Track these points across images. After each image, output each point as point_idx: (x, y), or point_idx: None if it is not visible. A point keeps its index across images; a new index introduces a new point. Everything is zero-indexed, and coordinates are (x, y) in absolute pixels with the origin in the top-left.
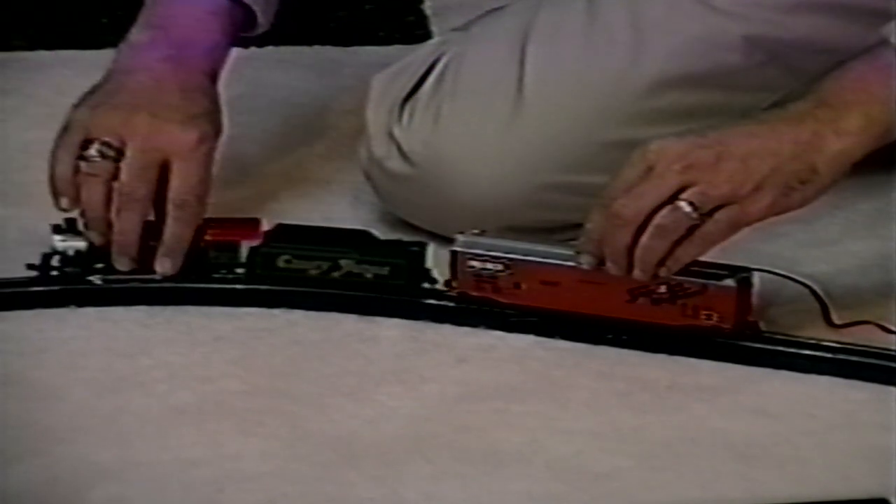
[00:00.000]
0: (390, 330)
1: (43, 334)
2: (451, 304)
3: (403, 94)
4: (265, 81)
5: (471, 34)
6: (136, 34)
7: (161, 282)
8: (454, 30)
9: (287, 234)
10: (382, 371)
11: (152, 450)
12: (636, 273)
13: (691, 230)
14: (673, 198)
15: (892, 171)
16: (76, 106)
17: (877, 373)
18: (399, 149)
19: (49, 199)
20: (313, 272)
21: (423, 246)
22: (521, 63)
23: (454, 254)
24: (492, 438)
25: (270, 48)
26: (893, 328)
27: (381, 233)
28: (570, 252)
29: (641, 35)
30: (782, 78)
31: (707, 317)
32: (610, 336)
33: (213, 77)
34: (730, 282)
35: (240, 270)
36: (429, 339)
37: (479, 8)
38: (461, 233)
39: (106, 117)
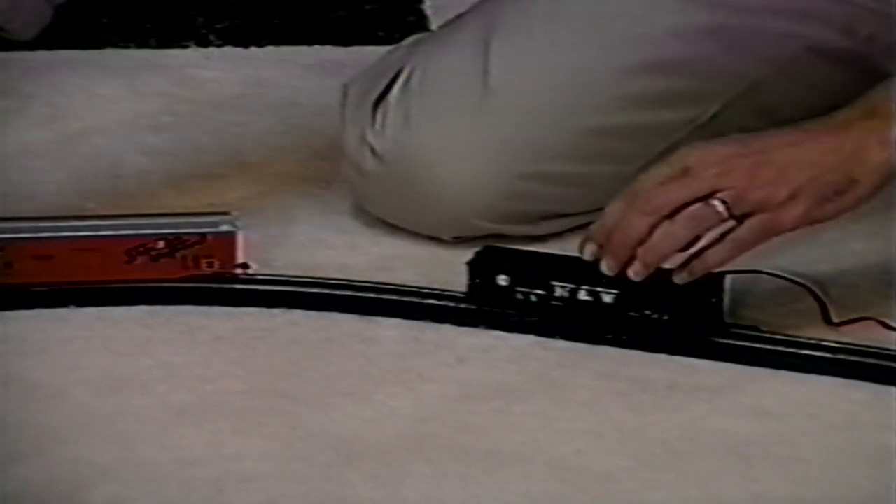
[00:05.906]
0: (390, 330)
1: (43, 334)
2: (451, 304)
3: (374, 96)
4: (265, 81)
5: (436, 33)
6: None
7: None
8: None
9: None
10: (382, 371)
11: (152, 450)
12: (635, 268)
13: (722, 237)
14: (706, 198)
15: None
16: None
17: (877, 373)
18: (373, 151)
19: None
20: None
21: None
22: (486, 56)
23: None
24: (492, 438)
25: (270, 48)
26: (893, 324)
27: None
28: (63, 223)
29: (610, 22)
30: (756, 65)
31: (209, 265)
32: (610, 336)
33: None
34: (227, 227)
35: None
36: (429, 339)
37: None
38: None
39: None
